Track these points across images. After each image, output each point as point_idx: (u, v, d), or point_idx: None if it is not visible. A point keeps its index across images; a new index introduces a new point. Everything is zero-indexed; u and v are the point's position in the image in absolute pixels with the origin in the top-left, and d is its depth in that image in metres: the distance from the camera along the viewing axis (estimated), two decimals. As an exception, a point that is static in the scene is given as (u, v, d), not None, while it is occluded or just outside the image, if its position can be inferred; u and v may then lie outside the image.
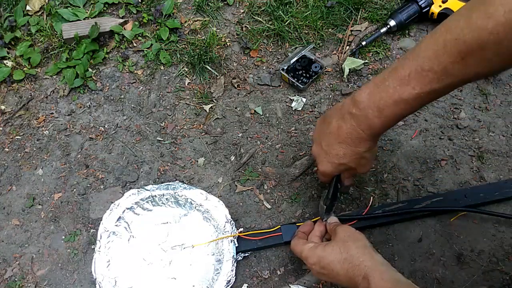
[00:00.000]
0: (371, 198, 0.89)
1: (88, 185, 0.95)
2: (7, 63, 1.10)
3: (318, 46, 1.07)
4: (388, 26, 1.05)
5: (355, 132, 0.67)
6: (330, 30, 1.09)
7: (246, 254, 0.86)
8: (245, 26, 1.11)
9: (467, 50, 0.52)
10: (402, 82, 0.59)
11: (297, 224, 0.86)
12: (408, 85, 0.58)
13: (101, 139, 1.01)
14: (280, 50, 1.08)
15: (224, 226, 0.85)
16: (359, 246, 0.67)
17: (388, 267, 0.65)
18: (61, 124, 1.03)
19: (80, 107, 1.05)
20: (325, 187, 0.90)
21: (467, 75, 0.55)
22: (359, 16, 1.09)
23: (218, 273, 0.82)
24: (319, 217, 0.82)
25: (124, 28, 1.12)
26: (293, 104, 1.01)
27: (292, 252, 0.85)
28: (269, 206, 0.91)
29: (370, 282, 0.62)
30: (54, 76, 1.09)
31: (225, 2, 1.15)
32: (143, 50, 1.10)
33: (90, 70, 1.08)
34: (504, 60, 0.52)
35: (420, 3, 1.03)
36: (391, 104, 0.61)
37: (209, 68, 1.06)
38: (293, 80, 1.00)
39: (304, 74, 1.02)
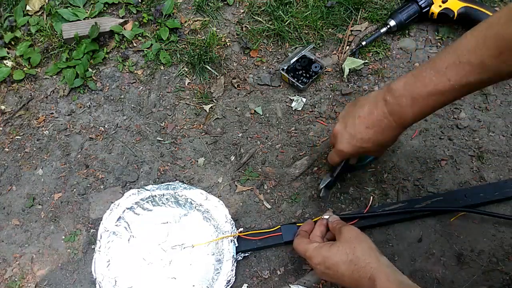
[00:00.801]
0: (371, 197, 0.89)
1: (88, 185, 0.95)
2: (7, 63, 1.10)
3: (318, 46, 1.07)
4: (388, 26, 1.05)
5: (385, 119, 0.68)
6: (330, 30, 1.09)
7: (246, 254, 0.86)
8: (245, 26, 1.11)
9: (506, 44, 0.54)
10: (439, 73, 0.60)
11: (297, 224, 0.86)
12: (444, 76, 0.60)
13: (101, 139, 1.01)
14: (280, 50, 1.08)
15: (224, 226, 0.85)
16: (365, 248, 0.68)
17: (393, 269, 0.65)
18: (61, 124, 1.03)
19: (80, 107, 1.05)
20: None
21: (502, 71, 0.56)
22: (359, 16, 1.09)
23: (218, 273, 0.82)
24: (318, 218, 0.82)
25: (124, 28, 1.12)
26: (293, 104, 1.01)
27: (292, 252, 0.86)
28: (269, 206, 0.91)
29: (376, 283, 0.62)
30: (54, 76, 1.09)
31: (225, 2, 1.15)
32: (143, 50, 1.10)
33: (90, 70, 1.08)
34: None
35: (420, 3, 1.03)
36: (426, 94, 0.62)
37: (209, 68, 1.06)
38: (293, 80, 1.00)
39: (304, 74, 1.02)
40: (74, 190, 0.95)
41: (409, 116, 0.66)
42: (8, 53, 1.11)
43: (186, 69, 1.07)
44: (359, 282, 0.65)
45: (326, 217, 0.80)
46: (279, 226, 0.86)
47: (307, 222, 0.82)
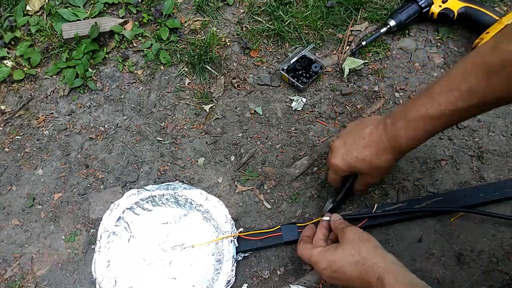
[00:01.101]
0: (376, 203, 0.89)
1: (88, 185, 0.95)
2: (7, 63, 1.10)
3: (318, 46, 1.07)
4: (388, 26, 1.05)
5: (382, 142, 0.70)
6: (330, 30, 1.09)
7: (246, 254, 0.86)
8: (245, 26, 1.11)
9: (491, 69, 0.57)
10: (431, 98, 0.64)
11: (297, 224, 0.86)
12: (436, 102, 0.63)
13: (101, 139, 1.01)
14: (280, 50, 1.08)
15: (224, 226, 0.85)
16: (370, 248, 0.67)
17: (401, 267, 0.65)
18: (61, 124, 1.03)
19: (80, 107, 1.05)
20: (330, 187, 0.90)
21: (490, 96, 0.59)
22: (359, 16, 1.09)
23: (218, 273, 0.82)
24: (318, 218, 0.82)
25: (124, 28, 1.12)
26: (293, 104, 1.01)
27: (292, 252, 0.86)
28: (269, 206, 0.91)
29: (384, 283, 0.61)
30: (54, 76, 1.09)
31: (225, 2, 1.15)
32: (143, 50, 1.10)
33: (90, 70, 1.08)
34: None
35: (420, 3, 1.03)
36: (418, 118, 0.65)
37: (209, 68, 1.06)
38: (293, 80, 1.00)
39: (304, 74, 1.02)
40: (74, 190, 0.95)
41: (404, 140, 0.68)
42: (8, 53, 1.11)
43: (186, 69, 1.07)
44: (368, 282, 0.64)
45: (326, 218, 0.79)
46: (279, 226, 0.86)
47: (308, 227, 0.81)
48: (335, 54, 1.07)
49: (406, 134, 0.67)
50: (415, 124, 0.66)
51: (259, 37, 1.09)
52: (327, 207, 0.85)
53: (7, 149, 1.01)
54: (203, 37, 1.10)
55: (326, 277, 0.71)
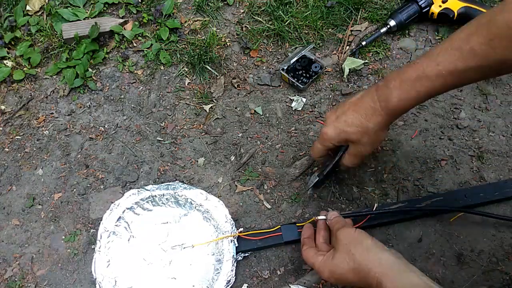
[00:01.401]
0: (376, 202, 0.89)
1: (88, 185, 0.95)
2: (7, 63, 1.10)
3: (318, 46, 1.07)
4: (388, 26, 1.05)
5: (372, 103, 0.68)
6: (330, 30, 1.09)
7: (246, 254, 0.86)
8: (245, 26, 1.11)
9: (496, 30, 0.55)
10: (430, 58, 0.62)
11: (297, 224, 0.86)
12: (434, 61, 0.61)
13: (101, 139, 1.01)
14: (280, 50, 1.08)
15: (224, 226, 0.85)
16: (363, 251, 0.65)
17: (398, 268, 0.62)
18: (61, 124, 1.03)
19: (80, 107, 1.05)
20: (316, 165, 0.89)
21: (490, 58, 0.57)
22: (359, 16, 1.09)
23: (218, 273, 0.82)
24: (313, 219, 0.81)
25: (124, 28, 1.12)
26: (293, 104, 1.01)
27: (292, 252, 0.86)
28: (269, 206, 0.91)
29: None
30: (54, 76, 1.09)
31: (225, 2, 1.15)
32: (143, 50, 1.10)
33: (90, 70, 1.08)
34: None
35: (420, 3, 1.03)
36: (414, 78, 0.63)
37: (209, 68, 1.06)
38: (293, 80, 1.00)
39: (304, 74, 1.02)
40: (74, 190, 0.95)
41: (395, 100, 0.66)
42: (8, 53, 1.11)
43: (186, 69, 1.07)
44: (369, 285, 0.64)
45: (322, 217, 0.78)
46: (279, 226, 0.86)
47: (306, 227, 0.79)
48: (335, 54, 1.07)
49: (399, 94, 0.65)
50: (410, 83, 0.64)
51: (259, 37, 1.09)
52: (312, 181, 0.83)
53: (7, 149, 1.01)
54: (203, 37, 1.10)
55: (333, 283, 0.71)
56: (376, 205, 0.86)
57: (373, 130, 0.70)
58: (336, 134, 0.73)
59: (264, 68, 1.06)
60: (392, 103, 0.66)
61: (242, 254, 0.85)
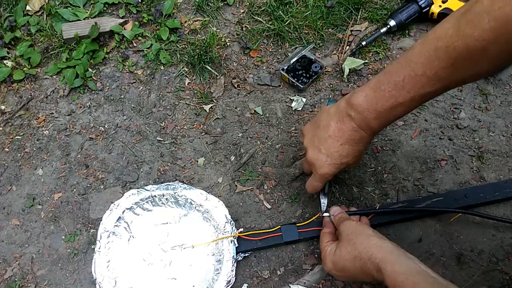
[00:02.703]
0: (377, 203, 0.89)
1: (88, 185, 0.95)
2: (7, 63, 1.10)
3: (318, 46, 1.07)
4: (388, 26, 1.05)
5: (357, 132, 0.69)
6: (330, 30, 1.09)
7: (246, 254, 0.86)
8: (245, 26, 1.11)
9: (457, 56, 0.55)
10: (397, 87, 0.62)
11: (297, 224, 0.86)
12: (403, 90, 0.62)
13: (101, 139, 1.01)
14: (280, 50, 1.08)
15: (224, 226, 0.85)
16: (364, 239, 0.68)
17: (398, 254, 0.64)
18: (61, 124, 1.03)
19: (80, 107, 1.05)
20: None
21: (458, 79, 0.59)
22: (359, 16, 1.09)
23: (218, 273, 0.82)
24: (318, 214, 0.83)
25: (124, 28, 1.12)
26: (293, 104, 1.01)
27: (292, 252, 0.86)
28: (269, 206, 0.91)
29: (383, 275, 0.62)
30: (54, 76, 1.09)
31: (225, 2, 1.15)
32: (143, 50, 1.10)
33: (90, 70, 1.08)
34: (491, 64, 0.56)
35: (420, 3, 1.03)
36: (388, 107, 0.64)
37: (209, 68, 1.06)
38: (293, 80, 1.00)
39: (304, 74, 1.02)
40: (74, 190, 0.95)
41: (377, 126, 0.68)
42: (8, 53, 1.11)
43: (186, 69, 1.07)
44: (370, 275, 0.65)
45: (326, 215, 0.81)
46: (279, 226, 0.86)
47: (326, 222, 0.81)
48: (335, 54, 1.07)
49: (379, 123, 0.67)
50: (387, 112, 0.65)
51: (259, 37, 1.09)
52: (324, 203, 0.84)
53: (7, 149, 1.01)
54: (203, 37, 1.10)
55: (335, 276, 0.74)
56: (378, 205, 0.86)
57: (363, 149, 0.73)
58: (336, 168, 0.74)
59: (264, 68, 1.06)
60: (376, 129, 0.69)
61: (242, 254, 0.85)
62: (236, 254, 0.84)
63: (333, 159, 0.72)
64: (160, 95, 1.05)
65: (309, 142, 0.76)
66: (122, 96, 1.05)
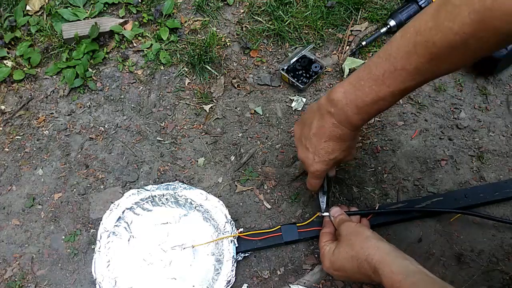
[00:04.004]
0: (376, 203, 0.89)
1: (88, 185, 0.95)
2: (7, 63, 1.10)
3: (318, 46, 1.07)
4: (388, 26, 1.05)
5: (338, 129, 0.69)
6: (330, 30, 1.09)
7: (246, 254, 0.86)
8: (245, 26, 1.11)
9: (437, 51, 0.55)
10: (377, 82, 0.62)
11: (297, 224, 0.86)
12: (383, 84, 0.61)
13: (101, 139, 1.01)
14: (280, 50, 1.08)
15: (224, 226, 0.85)
16: (362, 240, 0.68)
17: (395, 255, 0.64)
18: (61, 124, 1.03)
19: (80, 107, 1.05)
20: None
21: (438, 72, 0.58)
22: (359, 16, 1.09)
23: (218, 273, 0.82)
24: (317, 214, 0.84)
25: (124, 28, 1.12)
26: (293, 104, 1.01)
27: (292, 252, 0.86)
28: (269, 206, 0.91)
29: (380, 276, 0.62)
30: (54, 76, 1.09)
31: (225, 2, 1.15)
32: (143, 50, 1.10)
33: (90, 70, 1.08)
34: (471, 56, 0.55)
35: (420, 3, 1.03)
36: (369, 102, 0.64)
37: (209, 68, 1.06)
38: (293, 80, 1.00)
39: (304, 74, 1.02)
40: (74, 190, 0.95)
41: (358, 122, 0.67)
42: (8, 53, 1.11)
43: (186, 69, 1.07)
44: (367, 275, 0.65)
45: (325, 214, 0.82)
46: (279, 226, 0.86)
47: (326, 223, 0.82)
48: (335, 54, 1.07)
49: (360, 117, 0.66)
50: (368, 107, 0.64)
51: (259, 37, 1.09)
52: (323, 201, 0.84)
53: (7, 149, 1.01)
54: (203, 37, 1.10)
55: (333, 275, 0.74)
56: (378, 205, 0.86)
57: (352, 143, 0.73)
58: (326, 165, 0.74)
59: (264, 68, 1.06)
60: (357, 124, 0.68)
61: (242, 254, 0.85)
62: (236, 254, 0.84)
63: (320, 156, 0.72)
64: (160, 95, 1.05)
65: (297, 140, 0.77)
66: (122, 96, 1.05)
